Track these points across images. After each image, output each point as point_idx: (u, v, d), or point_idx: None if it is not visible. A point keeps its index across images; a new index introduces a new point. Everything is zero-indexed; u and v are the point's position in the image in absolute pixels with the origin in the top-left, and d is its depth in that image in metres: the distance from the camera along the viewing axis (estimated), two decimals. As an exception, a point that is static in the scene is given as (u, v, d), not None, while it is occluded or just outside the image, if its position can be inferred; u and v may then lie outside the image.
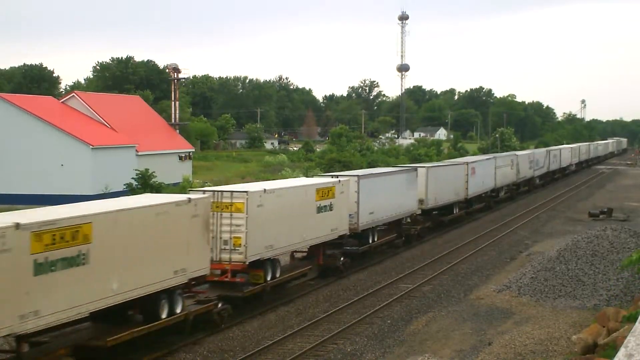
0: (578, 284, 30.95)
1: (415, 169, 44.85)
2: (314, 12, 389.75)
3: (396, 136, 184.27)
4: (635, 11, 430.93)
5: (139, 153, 65.82)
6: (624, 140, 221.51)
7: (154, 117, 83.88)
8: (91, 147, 60.38)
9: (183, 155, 76.19)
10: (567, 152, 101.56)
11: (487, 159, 62.69)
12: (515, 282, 31.69)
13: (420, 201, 44.50)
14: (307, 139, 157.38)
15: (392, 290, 31.86)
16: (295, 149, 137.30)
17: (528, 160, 74.84)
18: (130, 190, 51.11)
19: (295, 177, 59.95)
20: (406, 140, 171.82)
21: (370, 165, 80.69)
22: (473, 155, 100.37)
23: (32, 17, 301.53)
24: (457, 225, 51.45)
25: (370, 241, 37.56)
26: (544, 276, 31.96)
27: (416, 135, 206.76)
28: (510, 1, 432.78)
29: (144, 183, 51.70)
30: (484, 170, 58.37)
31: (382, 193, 38.03)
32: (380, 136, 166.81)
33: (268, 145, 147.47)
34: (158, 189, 50.83)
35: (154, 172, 53.28)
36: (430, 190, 45.46)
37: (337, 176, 35.76)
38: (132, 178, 52.67)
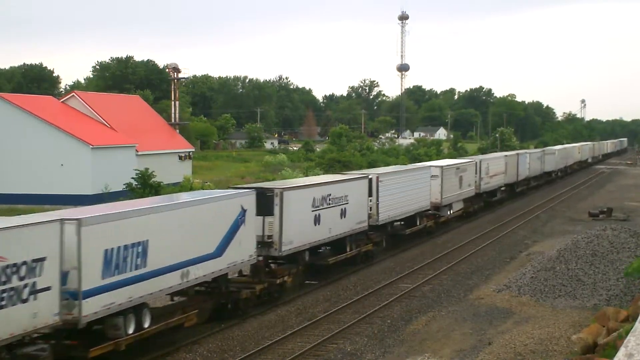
0: (578, 283, 30.96)
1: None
2: (314, 12, 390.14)
3: (396, 136, 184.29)
4: (635, 11, 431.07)
5: (139, 153, 65.73)
6: (610, 142, 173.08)
7: (154, 117, 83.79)
8: (91, 146, 60.30)
9: (183, 155, 76.10)
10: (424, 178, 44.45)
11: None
12: (515, 282, 31.69)
13: None
14: (307, 138, 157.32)
15: (392, 290, 31.85)
16: (295, 148, 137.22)
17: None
18: (130, 190, 51.08)
19: (295, 177, 59.85)
20: (406, 140, 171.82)
21: (370, 165, 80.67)
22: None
23: (32, 17, 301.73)
24: (456, 226, 51.39)
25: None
26: (544, 276, 31.97)
27: (416, 135, 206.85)
28: (510, 1, 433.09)
29: (144, 183, 51.68)
30: None
31: None
32: (380, 136, 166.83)
33: (268, 145, 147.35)
34: (157, 188, 50.80)
35: (153, 171, 53.22)
36: None
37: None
38: (132, 178, 52.63)
